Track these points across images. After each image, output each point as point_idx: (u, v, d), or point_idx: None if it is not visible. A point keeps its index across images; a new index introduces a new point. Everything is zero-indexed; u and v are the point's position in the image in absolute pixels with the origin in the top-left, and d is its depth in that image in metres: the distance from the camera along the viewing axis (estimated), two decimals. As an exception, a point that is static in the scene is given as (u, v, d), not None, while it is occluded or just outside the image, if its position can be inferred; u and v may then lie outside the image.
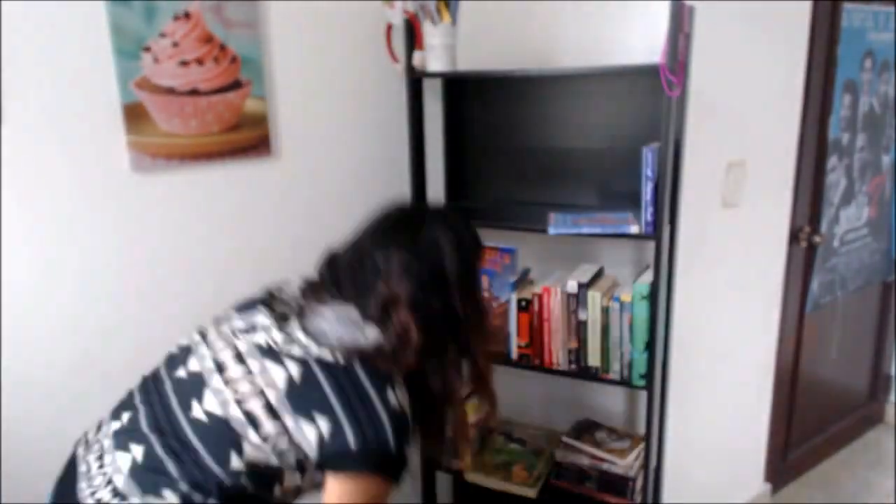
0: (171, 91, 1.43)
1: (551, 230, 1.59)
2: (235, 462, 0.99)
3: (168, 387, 1.09)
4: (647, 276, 1.60)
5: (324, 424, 0.99)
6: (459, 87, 1.88)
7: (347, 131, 1.79)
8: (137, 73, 1.38)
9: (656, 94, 1.46)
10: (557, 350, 1.68)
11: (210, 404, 1.02)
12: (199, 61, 1.46)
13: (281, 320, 1.07)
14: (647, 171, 1.48)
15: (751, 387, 2.24)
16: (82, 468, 1.08)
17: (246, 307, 1.14)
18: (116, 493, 1.00)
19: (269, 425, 1.00)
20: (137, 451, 1.02)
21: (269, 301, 1.13)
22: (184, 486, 0.98)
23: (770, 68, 1.93)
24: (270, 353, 1.03)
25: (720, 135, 1.85)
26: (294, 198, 1.71)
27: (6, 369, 1.33)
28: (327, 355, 1.01)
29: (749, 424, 2.30)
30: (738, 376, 2.17)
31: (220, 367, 1.05)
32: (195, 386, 1.05)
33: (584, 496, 1.76)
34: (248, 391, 1.02)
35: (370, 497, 1.02)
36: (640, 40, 1.67)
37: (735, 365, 2.14)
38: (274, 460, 1.01)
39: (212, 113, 1.50)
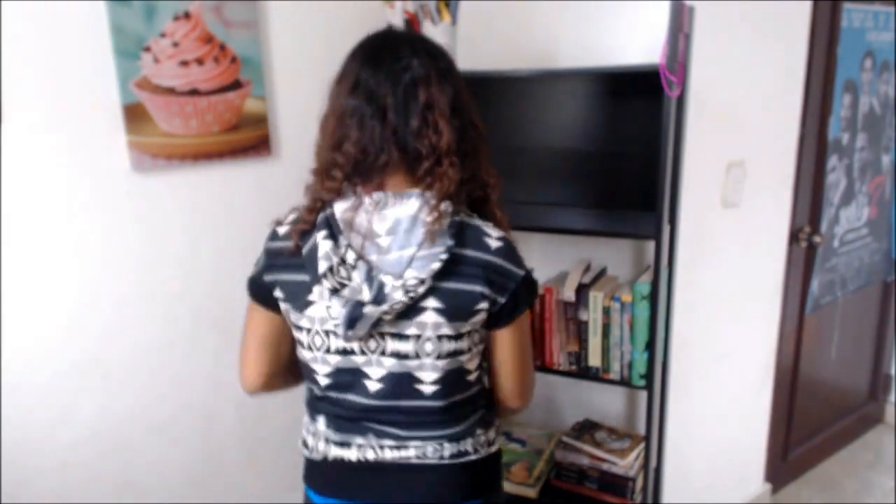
0: (171, 91, 1.43)
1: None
2: (472, 377, 1.10)
3: (380, 402, 1.06)
4: (648, 277, 1.60)
5: (483, 306, 1.02)
6: (459, 87, 1.87)
7: (347, 131, 1.79)
8: (137, 73, 1.38)
9: (656, 94, 1.46)
10: (558, 350, 1.68)
11: (428, 377, 1.04)
12: (199, 61, 1.46)
13: (373, 283, 0.98)
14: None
15: (751, 387, 2.24)
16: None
17: (353, 319, 0.98)
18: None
19: (464, 342, 1.04)
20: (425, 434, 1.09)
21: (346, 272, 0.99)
22: None
23: (770, 68, 1.93)
24: (406, 311, 1.00)
25: (720, 135, 1.85)
26: (294, 198, 1.70)
27: (6, 369, 1.33)
28: (433, 266, 0.98)
29: (749, 424, 2.30)
30: (738, 376, 2.17)
31: (398, 354, 1.03)
32: (403, 380, 1.05)
33: (584, 496, 1.76)
34: (432, 347, 1.02)
35: (528, 321, 1.13)
36: (640, 40, 1.67)
37: (735, 365, 2.14)
38: (480, 345, 1.10)
39: (212, 113, 1.50)
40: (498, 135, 1.86)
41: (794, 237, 2.21)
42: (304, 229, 1.04)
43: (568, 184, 1.80)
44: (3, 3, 1.22)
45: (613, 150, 1.72)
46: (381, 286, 0.98)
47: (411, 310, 1.00)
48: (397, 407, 1.06)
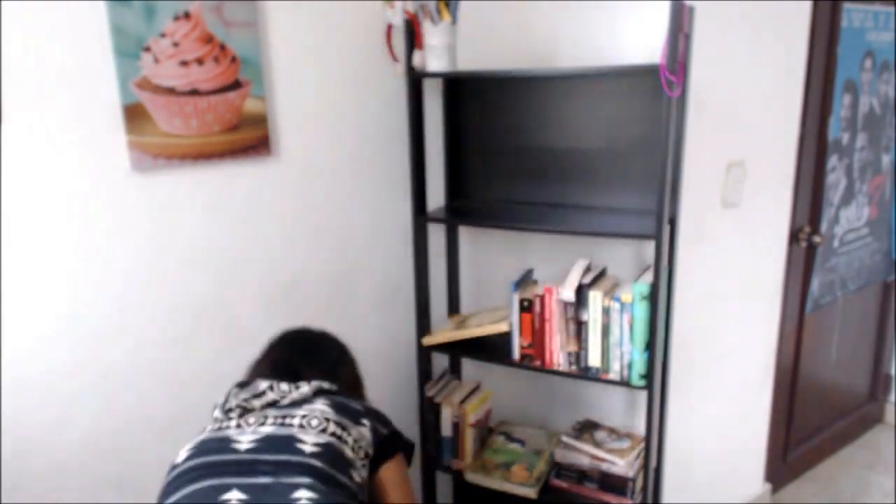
0: (171, 91, 1.43)
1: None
2: (357, 477, 1.12)
3: (254, 456, 1.07)
4: (648, 277, 1.60)
5: (367, 422, 1.20)
6: (459, 87, 1.88)
7: (347, 131, 1.79)
8: (137, 73, 1.38)
9: (656, 94, 1.46)
10: (558, 350, 1.68)
11: (311, 439, 1.09)
12: (199, 61, 1.46)
13: (273, 384, 1.23)
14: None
15: (751, 387, 2.24)
16: None
17: (241, 385, 1.25)
18: None
19: (349, 439, 1.14)
20: (300, 494, 1.02)
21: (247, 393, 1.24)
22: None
23: (770, 68, 1.93)
24: (293, 404, 1.19)
25: (720, 135, 1.85)
26: (294, 198, 1.71)
27: (6, 369, 1.33)
28: (325, 387, 1.24)
29: (749, 424, 2.30)
30: (738, 376, 2.17)
31: (282, 423, 1.13)
32: (282, 440, 1.09)
33: (584, 496, 1.76)
34: (318, 422, 1.13)
35: (407, 470, 1.28)
36: (640, 40, 1.67)
37: (735, 365, 2.14)
38: (363, 472, 1.16)
39: (212, 113, 1.50)
40: (498, 135, 1.87)
41: (794, 237, 2.21)
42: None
43: (568, 184, 1.80)
44: (2, 3, 1.22)
45: (613, 150, 1.72)
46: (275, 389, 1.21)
47: (299, 403, 1.18)
48: (275, 460, 1.05)
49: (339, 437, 1.13)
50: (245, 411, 1.18)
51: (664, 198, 1.47)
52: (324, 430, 1.12)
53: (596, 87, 1.72)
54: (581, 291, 1.62)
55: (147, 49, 1.38)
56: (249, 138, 1.58)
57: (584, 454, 1.76)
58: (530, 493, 1.77)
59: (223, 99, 1.51)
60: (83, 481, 1.47)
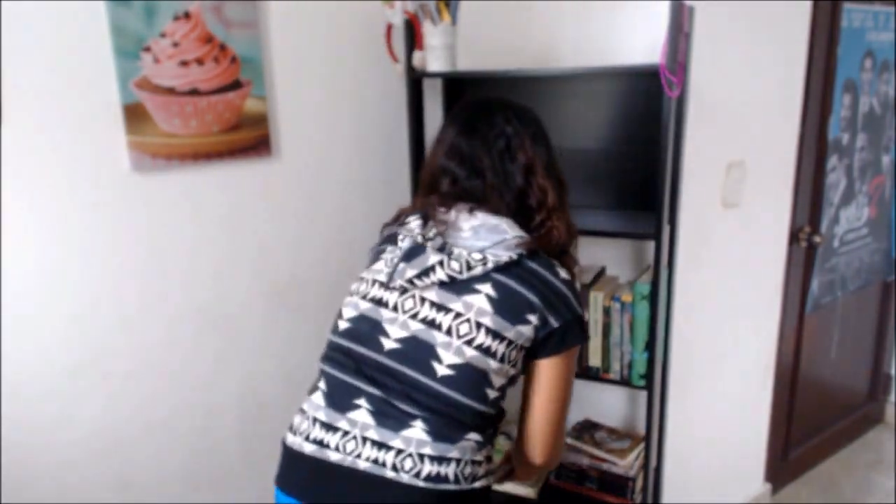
0: (171, 91, 1.43)
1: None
2: (492, 393, 1.07)
3: (391, 362, 1.06)
4: (648, 277, 1.60)
5: (533, 319, 1.06)
6: (459, 87, 1.88)
7: (347, 131, 1.79)
8: (137, 73, 1.38)
9: (656, 94, 1.46)
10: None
11: (449, 358, 1.04)
12: (199, 61, 1.46)
13: (445, 249, 1.07)
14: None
15: (751, 387, 2.24)
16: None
17: (412, 253, 1.07)
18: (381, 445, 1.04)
19: (500, 347, 1.05)
20: (415, 424, 1.04)
21: (424, 235, 1.10)
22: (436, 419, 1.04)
23: (770, 68, 1.93)
24: (458, 285, 1.06)
25: (720, 135, 1.85)
26: (294, 198, 1.71)
27: (6, 369, 1.33)
28: (501, 258, 1.05)
29: (749, 424, 2.30)
30: (738, 376, 2.17)
31: (432, 323, 1.06)
32: (422, 349, 1.05)
33: (584, 496, 1.76)
34: (468, 330, 1.05)
35: (572, 366, 1.13)
36: (640, 40, 1.67)
37: (735, 365, 2.14)
38: (512, 371, 1.10)
39: (212, 113, 1.50)
40: (498, 135, 1.86)
41: (794, 237, 2.21)
42: (403, 212, 1.18)
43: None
44: (3, 3, 1.22)
45: (613, 150, 1.72)
46: (449, 254, 1.05)
47: (464, 287, 1.05)
48: (405, 375, 1.05)
49: (486, 350, 1.04)
50: (406, 290, 1.08)
51: (664, 198, 1.47)
52: (469, 342, 1.03)
53: (596, 87, 1.72)
54: (581, 291, 1.62)
55: (147, 49, 1.38)
56: (249, 138, 1.58)
57: (584, 454, 1.76)
58: (530, 493, 1.77)
59: (223, 99, 1.51)
60: (84, 482, 1.47)
